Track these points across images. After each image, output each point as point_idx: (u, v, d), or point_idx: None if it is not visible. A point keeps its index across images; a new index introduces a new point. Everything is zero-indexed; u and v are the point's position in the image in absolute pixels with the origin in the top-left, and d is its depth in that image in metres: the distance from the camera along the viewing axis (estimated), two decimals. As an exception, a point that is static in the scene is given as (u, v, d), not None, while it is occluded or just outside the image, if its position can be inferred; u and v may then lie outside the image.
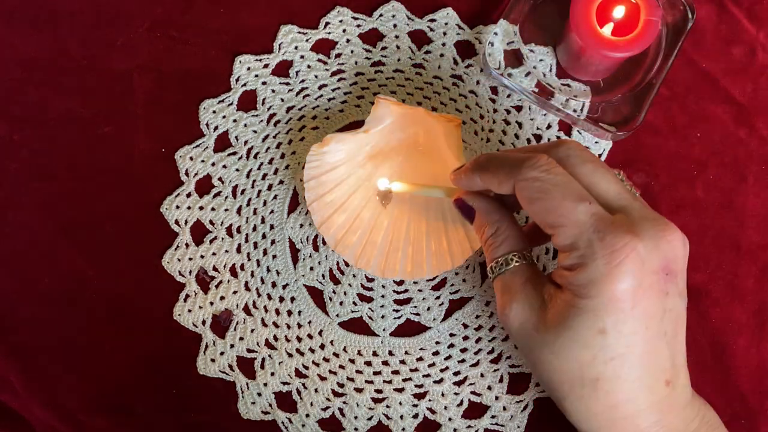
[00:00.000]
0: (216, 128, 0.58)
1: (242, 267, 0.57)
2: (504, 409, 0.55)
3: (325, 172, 0.54)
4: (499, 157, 0.46)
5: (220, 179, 0.58)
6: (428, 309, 0.56)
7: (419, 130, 0.55)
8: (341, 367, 0.56)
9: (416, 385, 0.56)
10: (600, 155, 0.57)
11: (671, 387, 0.44)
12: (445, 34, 0.59)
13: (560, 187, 0.43)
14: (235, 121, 0.58)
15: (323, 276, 0.57)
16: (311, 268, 0.57)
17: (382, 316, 0.56)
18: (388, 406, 0.56)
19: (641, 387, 0.43)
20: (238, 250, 0.57)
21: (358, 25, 0.59)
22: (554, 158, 0.44)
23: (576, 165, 0.44)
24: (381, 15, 0.59)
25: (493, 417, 0.55)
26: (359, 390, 0.56)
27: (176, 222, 0.57)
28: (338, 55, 0.59)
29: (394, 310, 0.56)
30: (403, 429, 0.55)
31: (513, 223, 0.48)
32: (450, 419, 0.55)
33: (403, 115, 0.53)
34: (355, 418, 0.55)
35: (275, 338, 0.56)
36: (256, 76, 0.59)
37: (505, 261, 0.47)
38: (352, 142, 0.54)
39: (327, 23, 0.59)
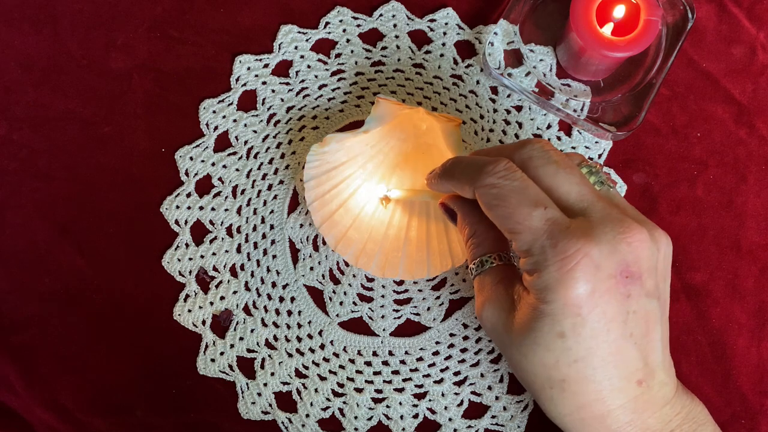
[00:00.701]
0: (216, 128, 0.58)
1: (242, 267, 0.57)
2: (504, 409, 0.55)
3: (326, 172, 0.54)
4: (462, 163, 0.47)
5: (220, 179, 0.58)
6: (428, 309, 0.56)
7: (419, 130, 0.55)
8: (341, 367, 0.56)
9: (416, 385, 0.56)
10: (600, 155, 0.57)
11: (645, 386, 0.44)
12: (445, 34, 0.59)
13: (516, 193, 0.43)
14: (235, 121, 0.58)
15: (323, 276, 0.57)
16: (311, 268, 0.57)
17: (382, 316, 0.56)
18: (388, 406, 0.56)
19: (609, 388, 0.43)
20: (238, 250, 0.57)
21: (358, 25, 0.59)
22: (518, 160, 0.44)
23: (538, 167, 0.44)
24: (381, 15, 0.59)
25: (493, 417, 0.55)
26: (359, 390, 0.56)
27: (176, 222, 0.57)
28: (338, 55, 0.59)
29: (394, 310, 0.56)
30: (403, 429, 0.55)
31: (490, 226, 0.47)
32: (450, 419, 0.55)
33: (403, 116, 0.53)
34: (355, 418, 0.55)
35: (275, 338, 0.56)
36: (256, 75, 0.59)
37: (481, 262, 0.48)
38: (352, 143, 0.54)
39: (327, 23, 0.59)
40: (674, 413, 0.45)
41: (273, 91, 0.59)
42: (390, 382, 0.56)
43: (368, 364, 0.56)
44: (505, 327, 0.45)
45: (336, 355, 0.56)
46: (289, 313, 0.57)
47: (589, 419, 0.43)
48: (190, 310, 0.56)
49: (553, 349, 0.42)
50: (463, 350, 0.56)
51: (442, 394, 0.56)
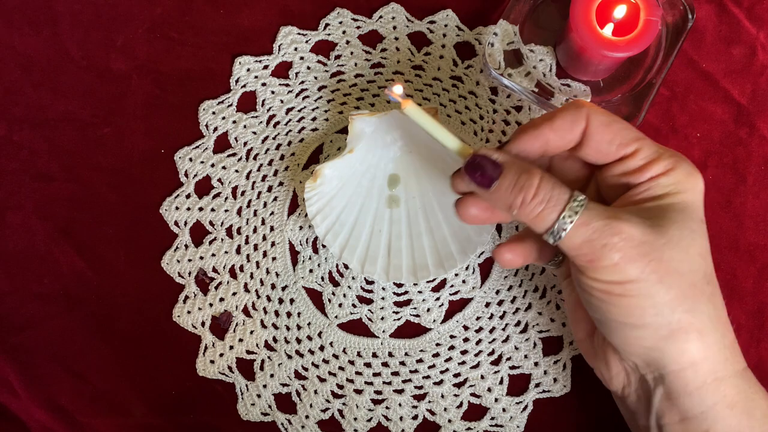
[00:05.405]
0: (215, 129, 0.58)
1: (241, 268, 0.57)
2: (504, 410, 0.55)
3: (327, 203, 0.54)
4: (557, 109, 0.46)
5: (219, 180, 0.58)
6: (428, 310, 0.56)
7: (401, 131, 0.54)
8: (341, 368, 0.56)
9: (416, 387, 0.56)
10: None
11: None
12: (444, 35, 0.59)
13: (621, 119, 0.45)
14: (234, 122, 0.58)
15: (322, 278, 0.57)
16: (311, 270, 0.57)
17: (382, 318, 0.56)
18: (387, 408, 0.56)
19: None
20: (238, 252, 0.57)
21: (358, 27, 0.59)
22: None
23: None
24: (381, 17, 0.59)
25: (492, 419, 0.55)
26: (359, 391, 0.56)
27: (176, 223, 0.57)
28: (338, 57, 0.59)
29: (393, 311, 0.56)
30: (403, 430, 0.55)
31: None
32: (450, 421, 0.55)
33: (380, 123, 0.53)
34: (355, 419, 0.55)
35: (274, 340, 0.56)
36: (256, 77, 0.59)
37: (580, 204, 0.41)
38: (342, 166, 0.53)
39: (327, 24, 0.59)
40: None
41: (272, 92, 0.59)
42: (389, 383, 0.56)
43: (368, 365, 0.56)
44: (656, 233, 0.41)
45: (335, 356, 0.56)
46: (289, 314, 0.57)
47: (727, 316, 0.44)
48: (189, 312, 0.56)
49: (702, 234, 0.44)
50: (463, 352, 0.56)
51: (442, 396, 0.56)
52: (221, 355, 0.56)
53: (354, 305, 0.56)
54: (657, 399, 0.44)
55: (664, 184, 0.43)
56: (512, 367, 0.56)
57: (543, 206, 0.42)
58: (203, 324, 0.56)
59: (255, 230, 0.57)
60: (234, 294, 0.57)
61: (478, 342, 0.56)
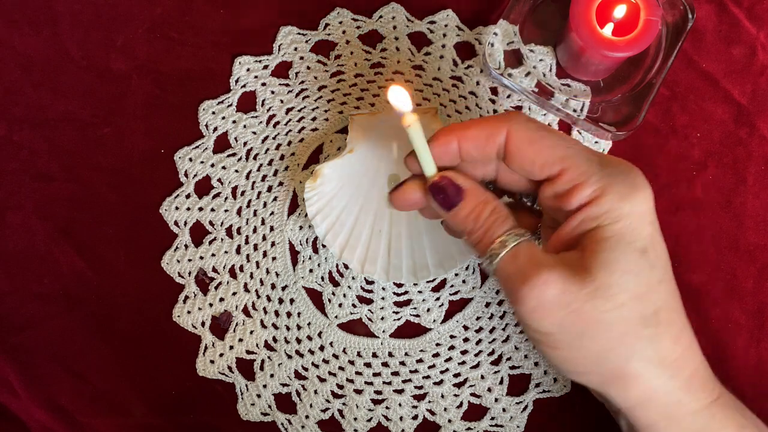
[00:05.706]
0: (215, 129, 0.58)
1: (241, 268, 0.57)
2: (504, 410, 0.55)
3: (327, 203, 0.54)
4: (475, 120, 0.44)
5: (219, 180, 0.58)
6: (428, 310, 0.56)
7: (401, 130, 0.54)
8: (341, 368, 0.56)
9: (416, 387, 0.56)
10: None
11: None
12: (444, 35, 0.59)
13: (552, 130, 0.42)
14: (234, 122, 0.58)
15: (322, 278, 0.57)
16: (311, 270, 0.57)
17: (382, 318, 0.56)
18: (387, 408, 0.56)
19: (681, 314, 0.42)
20: (238, 252, 0.57)
21: (358, 27, 0.59)
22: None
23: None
24: (381, 17, 0.59)
25: (492, 419, 0.55)
26: (359, 391, 0.56)
27: (175, 223, 0.57)
28: (338, 57, 0.59)
29: (393, 311, 0.56)
30: (403, 430, 0.55)
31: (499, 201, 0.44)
32: (450, 421, 0.55)
33: (380, 122, 0.53)
34: (355, 419, 0.55)
35: (274, 340, 0.56)
36: (256, 77, 0.59)
37: (519, 234, 0.42)
38: (342, 166, 0.53)
39: (327, 24, 0.59)
40: None
41: (272, 92, 0.59)
42: (389, 383, 0.56)
43: (368, 365, 0.56)
44: (582, 281, 0.39)
45: (335, 356, 0.56)
46: (289, 314, 0.57)
47: (682, 350, 0.41)
48: (189, 312, 0.56)
49: (639, 271, 0.39)
50: (463, 352, 0.56)
51: (442, 396, 0.56)
52: (221, 355, 0.56)
53: (354, 305, 0.56)
54: (623, 426, 0.45)
55: (594, 216, 0.40)
56: (512, 367, 0.56)
57: (484, 235, 0.42)
58: (203, 324, 0.56)
59: (255, 230, 0.57)
60: (234, 294, 0.57)
61: (478, 342, 0.56)
